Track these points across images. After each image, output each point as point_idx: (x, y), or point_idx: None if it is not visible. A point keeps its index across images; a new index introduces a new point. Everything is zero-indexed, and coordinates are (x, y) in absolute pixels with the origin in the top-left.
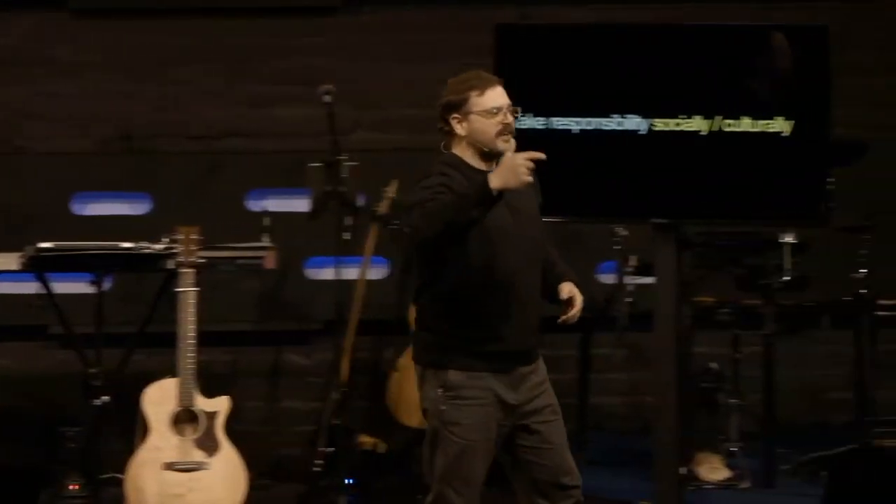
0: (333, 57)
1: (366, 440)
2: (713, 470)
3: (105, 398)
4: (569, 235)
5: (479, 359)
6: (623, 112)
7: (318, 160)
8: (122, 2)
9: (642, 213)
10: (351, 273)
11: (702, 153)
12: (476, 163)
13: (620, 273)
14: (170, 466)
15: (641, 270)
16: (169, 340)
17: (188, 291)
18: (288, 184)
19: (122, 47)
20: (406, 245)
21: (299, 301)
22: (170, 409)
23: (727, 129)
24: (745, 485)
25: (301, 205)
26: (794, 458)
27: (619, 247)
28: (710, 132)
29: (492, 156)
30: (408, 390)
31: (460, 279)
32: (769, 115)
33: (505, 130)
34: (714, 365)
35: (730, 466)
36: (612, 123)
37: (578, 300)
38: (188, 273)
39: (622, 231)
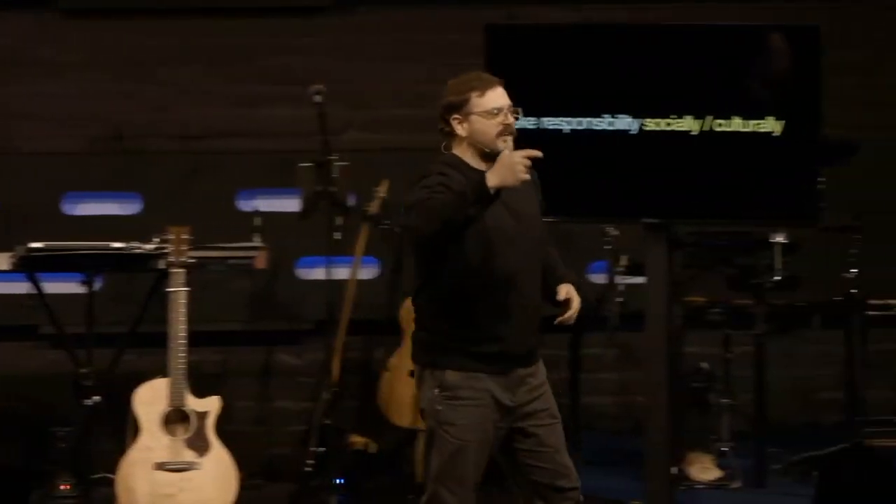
0: (324, 56)
1: (357, 440)
2: (704, 470)
3: (96, 398)
4: (559, 235)
5: (477, 359)
6: (614, 112)
7: (308, 160)
8: (113, 2)
9: (633, 212)
10: (342, 273)
11: (693, 153)
12: (476, 163)
13: (611, 273)
14: (161, 466)
15: (632, 270)
16: (160, 340)
17: (179, 291)
18: (279, 184)
19: (113, 47)
20: (397, 245)
21: (290, 301)
22: (161, 409)
23: (718, 129)
24: (735, 484)
25: (292, 205)
26: (784, 457)
27: (610, 246)
28: (701, 132)
29: (492, 156)
30: (399, 390)
31: (459, 279)
32: (760, 115)
33: (506, 131)
34: (705, 365)
35: (721, 466)
36: (603, 123)
37: (576, 302)
38: (179, 273)
39: (613, 231)
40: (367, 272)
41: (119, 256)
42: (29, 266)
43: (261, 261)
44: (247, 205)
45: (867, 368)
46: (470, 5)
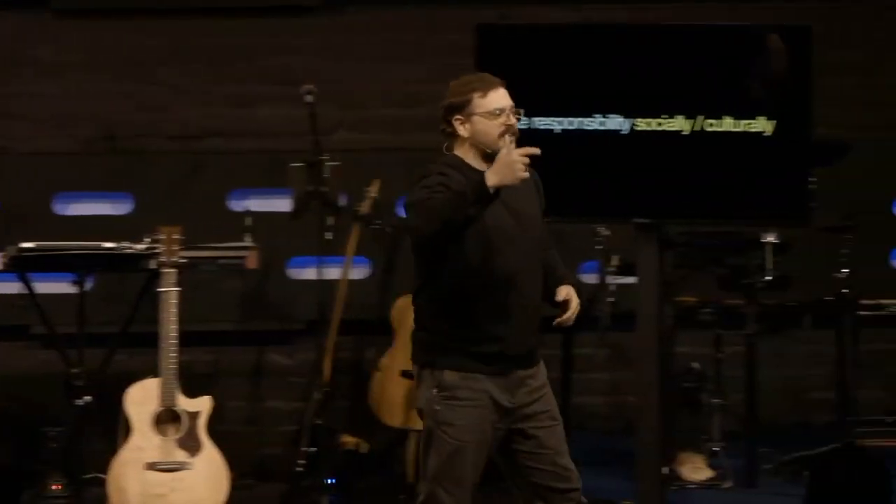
0: (315, 57)
1: (348, 440)
2: (695, 470)
3: (87, 398)
4: (551, 235)
5: (475, 360)
6: (605, 112)
7: (300, 160)
8: (105, 2)
9: (624, 212)
10: (333, 273)
11: (684, 153)
12: (478, 164)
13: (602, 273)
14: (152, 466)
15: (623, 270)
16: (151, 340)
17: (170, 291)
18: (270, 184)
19: (105, 47)
20: (388, 245)
21: (281, 301)
22: (152, 409)
23: (709, 129)
24: (727, 484)
25: (283, 205)
26: (776, 457)
27: (602, 246)
28: (693, 132)
29: (494, 157)
30: (390, 390)
31: (458, 279)
32: (751, 115)
33: (508, 132)
34: (696, 365)
35: (712, 466)
36: (595, 123)
37: (574, 303)
38: (170, 273)
39: (604, 231)
40: (359, 272)
41: (110, 256)
42: (20, 266)
43: (252, 261)
44: (238, 205)
45: (858, 368)
46: (459, 5)
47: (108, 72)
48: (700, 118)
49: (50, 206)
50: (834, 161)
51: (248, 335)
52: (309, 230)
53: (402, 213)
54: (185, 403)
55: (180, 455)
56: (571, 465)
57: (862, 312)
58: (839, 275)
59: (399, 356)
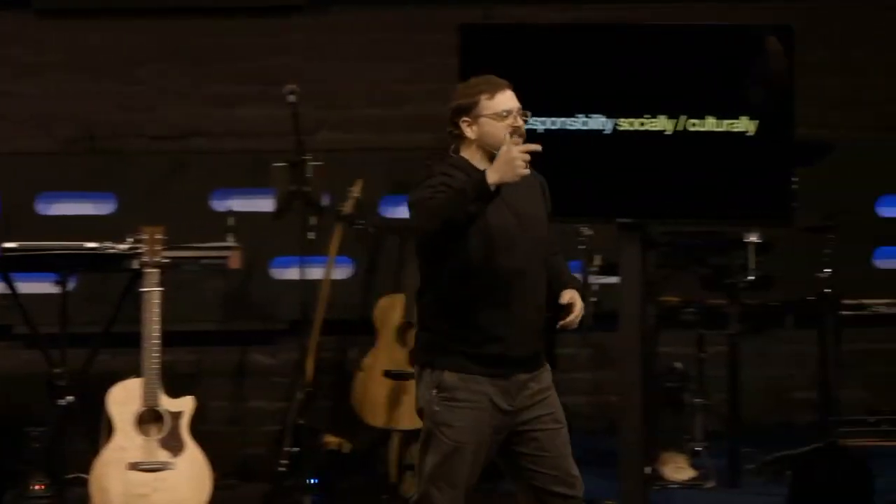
0: (297, 56)
1: (331, 440)
2: (678, 469)
3: (70, 398)
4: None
5: (475, 361)
6: (588, 112)
7: (282, 160)
8: (86, 2)
9: (607, 212)
10: (316, 273)
11: (667, 153)
12: (484, 166)
13: (585, 273)
14: (134, 466)
15: (606, 270)
16: (134, 340)
17: (152, 291)
18: (252, 183)
19: (86, 47)
20: (371, 245)
21: (264, 301)
22: (134, 409)
23: (692, 129)
24: (709, 484)
25: (266, 204)
26: (758, 457)
27: (584, 246)
28: (675, 132)
29: None
30: (372, 390)
31: (460, 279)
32: (734, 115)
33: (515, 133)
34: (679, 364)
35: (694, 466)
36: (577, 123)
37: (578, 306)
38: (152, 273)
39: (587, 231)
40: (341, 272)
41: (93, 256)
42: (2, 266)
43: (235, 261)
44: (221, 205)
45: (840, 368)
46: (443, 5)
47: (90, 71)
48: (683, 118)
49: (32, 206)
50: (816, 161)
51: (230, 335)
52: (292, 230)
53: (384, 213)
54: (167, 403)
55: (163, 455)
56: (576, 472)
57: (844, 312)
58: (821, 275)
59: (382, 356)
